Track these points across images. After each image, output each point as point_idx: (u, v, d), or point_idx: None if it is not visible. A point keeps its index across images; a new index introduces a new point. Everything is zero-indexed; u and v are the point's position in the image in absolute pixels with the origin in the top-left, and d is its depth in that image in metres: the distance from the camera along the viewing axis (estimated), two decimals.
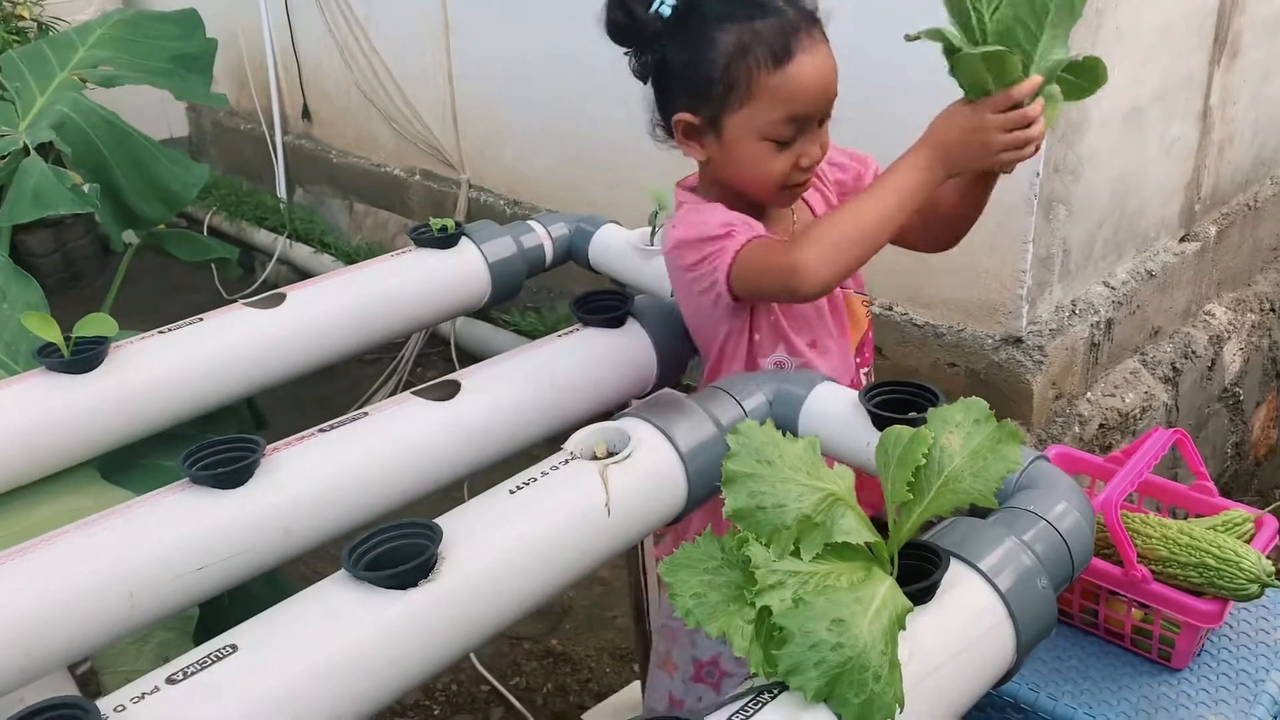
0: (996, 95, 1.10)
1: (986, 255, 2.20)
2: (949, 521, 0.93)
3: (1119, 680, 1.25)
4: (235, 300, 1.39)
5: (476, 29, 3.12)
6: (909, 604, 0.76)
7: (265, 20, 3.75)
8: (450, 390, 1.21)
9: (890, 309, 2.43)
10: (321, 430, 1.13)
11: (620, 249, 1.58)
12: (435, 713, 2.09)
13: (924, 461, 0.82)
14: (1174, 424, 2.64)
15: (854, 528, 0.80)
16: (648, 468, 1.04)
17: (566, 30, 2.77)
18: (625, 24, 1.19)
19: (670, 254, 1.26)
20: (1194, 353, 2.70)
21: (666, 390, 1.21)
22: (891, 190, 1.16)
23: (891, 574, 0.83)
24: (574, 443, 1.06)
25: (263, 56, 3.84)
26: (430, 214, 3.50)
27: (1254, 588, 1.18)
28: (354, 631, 0.85)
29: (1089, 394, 2.45)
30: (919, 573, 0.84)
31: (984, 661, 0.83)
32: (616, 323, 1.35)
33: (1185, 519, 1.32)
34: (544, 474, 1.01)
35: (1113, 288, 2.44)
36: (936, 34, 1.07)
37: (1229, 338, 2.85)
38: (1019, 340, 2.27)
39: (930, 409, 0.87)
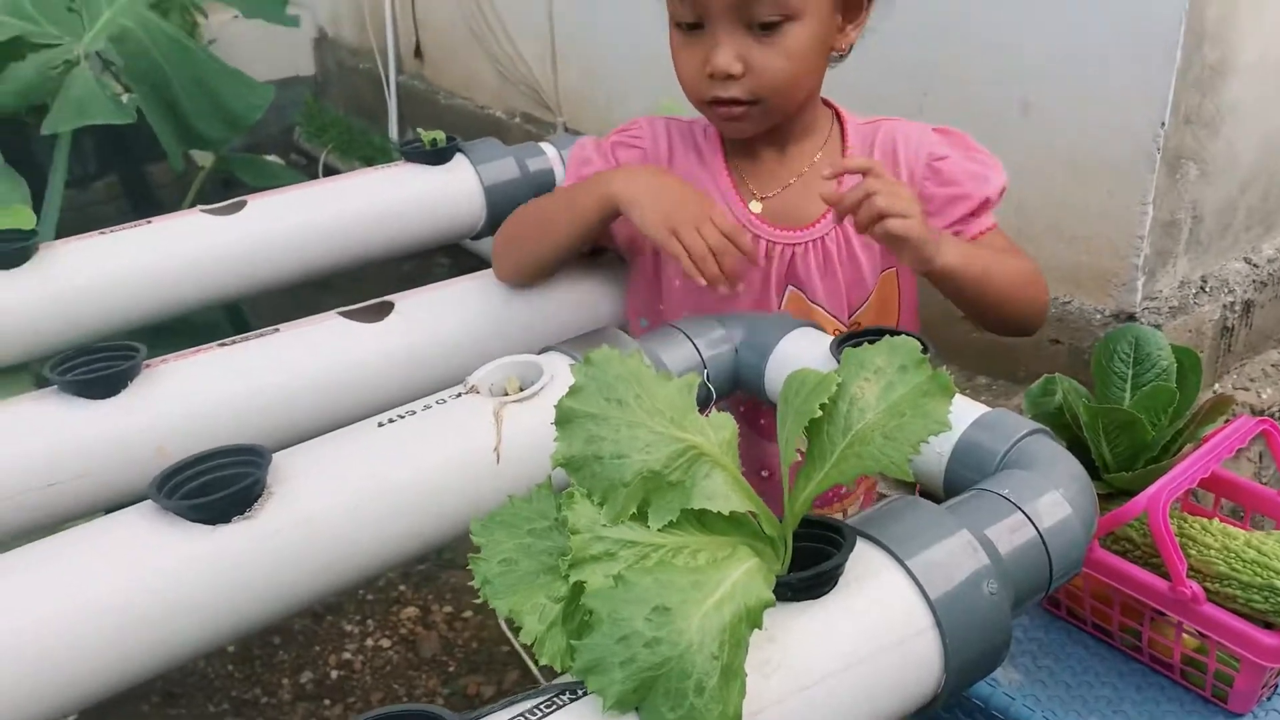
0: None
1: (1098, 218, 1.92)
2: (891, 500, 0.73)
3: (1160, 719, 1.02)
4: None
5: None
6: (769, 596, 0.57)
7: None
8: (383, 311, 1.07)
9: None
10: (221, 344, 1.00)
11: None
12: (450, 669, 1.99)
13: (822, 414, 0.63)
14: None
15: (721, 492, 0.62)
16: None
17: None
18: None
19: None
20: None
21: (610, 328, 1.03)
22: (572, 191, 1.05)
23: (782, 558, 0.64)
24: (479, 375, 0.90)
25: None
26: None
27: None
28: (145, 567, 0.72)
29: (1216, 386, 2.13)
30: (821, 560, 0.65)
31: (892, 682, 0.63)
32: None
33: (1274, 530, 1.07)
34: (427, 408, 0.85)
35: (1256, 265, 2.11)
36: None
37: None
38: (1132, 317, 1.98)
39: (846, 350, 0.67)
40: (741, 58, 0.95)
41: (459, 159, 1.37)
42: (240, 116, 2.24)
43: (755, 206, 1.08)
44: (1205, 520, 1.04)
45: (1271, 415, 2.17)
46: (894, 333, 0.88)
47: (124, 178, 3.90)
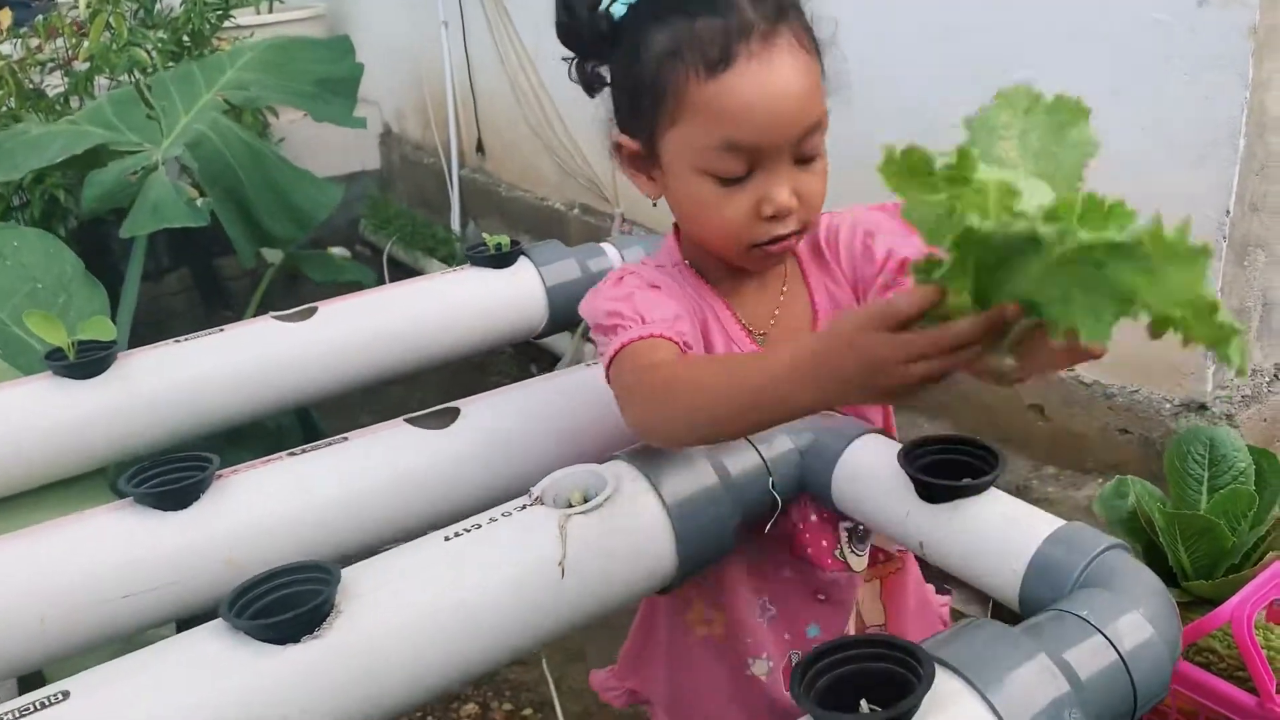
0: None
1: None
2: (967, 622, 0.72)
3: None
4: None
5: None
6: None
7: (446, 55, 3.82)
8: (449, 417, 1.08)
9: None
10: (291, 454, 1.02)
11: None
12: None
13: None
14: None
15: None
16: (623, 522, 0.87)
17: None
18: (567, 24, 0.98)
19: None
20: None
21: None
22: (755, 375, 0.81)
23: None
24: (544, 485, 0.90)
25: (444, 92, 3.90)
26: None
27: None
28: (215, 688, 0.72)
29: None
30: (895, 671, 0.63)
31: None
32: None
33: None
34: (493, 520, 0.86)
35: None
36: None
37: None
38: (1203, 406, 1.93)
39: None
40: (795, 192, 0.94)
41: (522, 261, 1.40)
42: (309, 215, 2.31)
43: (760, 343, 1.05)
44: None
45: None
46: (972, 443, 0.88)
47: (195, 271, 4.03)
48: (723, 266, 1.02)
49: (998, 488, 0.87)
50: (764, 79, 0.90)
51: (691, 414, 0.85)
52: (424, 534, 0.87)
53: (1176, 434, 2.00)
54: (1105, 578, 0.77)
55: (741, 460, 0.95)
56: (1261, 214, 1.84)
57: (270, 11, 4.21)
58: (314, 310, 1.28)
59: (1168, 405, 1.97)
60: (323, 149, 4.56)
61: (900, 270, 0.97)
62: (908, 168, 0.59)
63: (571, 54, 1.00)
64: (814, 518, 1.02)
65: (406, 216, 4.31)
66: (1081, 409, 2.11)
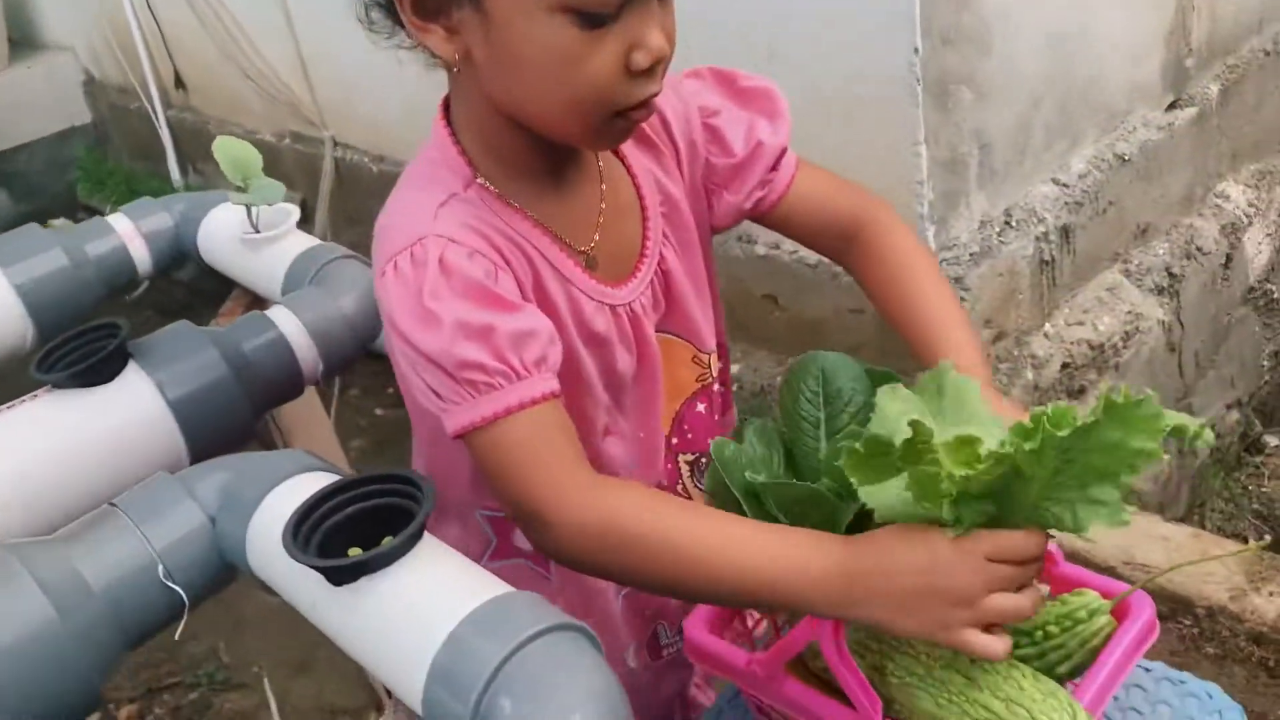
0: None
1: (870, 165, 1.65)
2: None
3: None
4: None
5: None
6: None
7: None
8: None
9: (777, 248, 1.90)
10: None
11: (227, 238, 1.11)
12: None
13: None
14: (1175, 345, 2.06)
15: None
16: None
17: None
18: None
19: (386, 325, 0.74)
20: (1199, 249, 2.11)
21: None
22: (755, 559, 0.68)
23: None
24: None
25: (126, 22, 3.40)
26: (304, 181, 3.07)
27: None
28: None
29: (1047, 326, 1.89)
30: None
31: None
32: (101, 375, 0.88)
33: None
34: None
35: (1066, 185, 1.87)
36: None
37: (1250, 223, 2.23)
38: None
39: None
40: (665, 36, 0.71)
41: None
42: None
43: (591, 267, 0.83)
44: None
45: (1113, 346, 1.94)
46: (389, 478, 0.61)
47: None
48: (527, 173, 0.78)
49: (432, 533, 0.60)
50: None
51: (662, 580, 0.70)
52: None
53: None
54: (528, 680, 0.51)
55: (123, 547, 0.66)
56: (956, 44, 1.60)
57: None
58: None
59: None
60: (24, 110, 4.03)
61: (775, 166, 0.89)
62: (869, 457, 0.64)
63: None
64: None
65: (122, 172, 3.84)
66: (812, 293, 1.89)
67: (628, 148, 0.85)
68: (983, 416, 0.69)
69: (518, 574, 0.85)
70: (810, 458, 0.87)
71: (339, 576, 0.58)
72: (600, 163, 0.84)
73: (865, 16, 1.56)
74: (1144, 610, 0.73)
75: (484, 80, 0.73)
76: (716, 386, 0.95)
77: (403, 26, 0.74)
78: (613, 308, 0.82)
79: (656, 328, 0.88)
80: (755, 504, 0.80)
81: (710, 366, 0.93)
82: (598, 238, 0.83)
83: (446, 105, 0.80)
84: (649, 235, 0.86)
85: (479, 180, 0.77)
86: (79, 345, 0.90)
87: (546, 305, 0.78)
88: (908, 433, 0.61)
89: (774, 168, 0.90)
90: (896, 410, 0.66)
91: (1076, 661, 0.73)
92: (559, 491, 0.68)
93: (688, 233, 0.89)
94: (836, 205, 0.94)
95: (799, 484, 0.80)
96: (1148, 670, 0.84)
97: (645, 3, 0.69)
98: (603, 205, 0.83)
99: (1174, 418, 0.61)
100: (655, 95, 0.73)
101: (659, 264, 0.87)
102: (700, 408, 0.94)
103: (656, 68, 0.71)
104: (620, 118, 0.73)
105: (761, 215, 0.93)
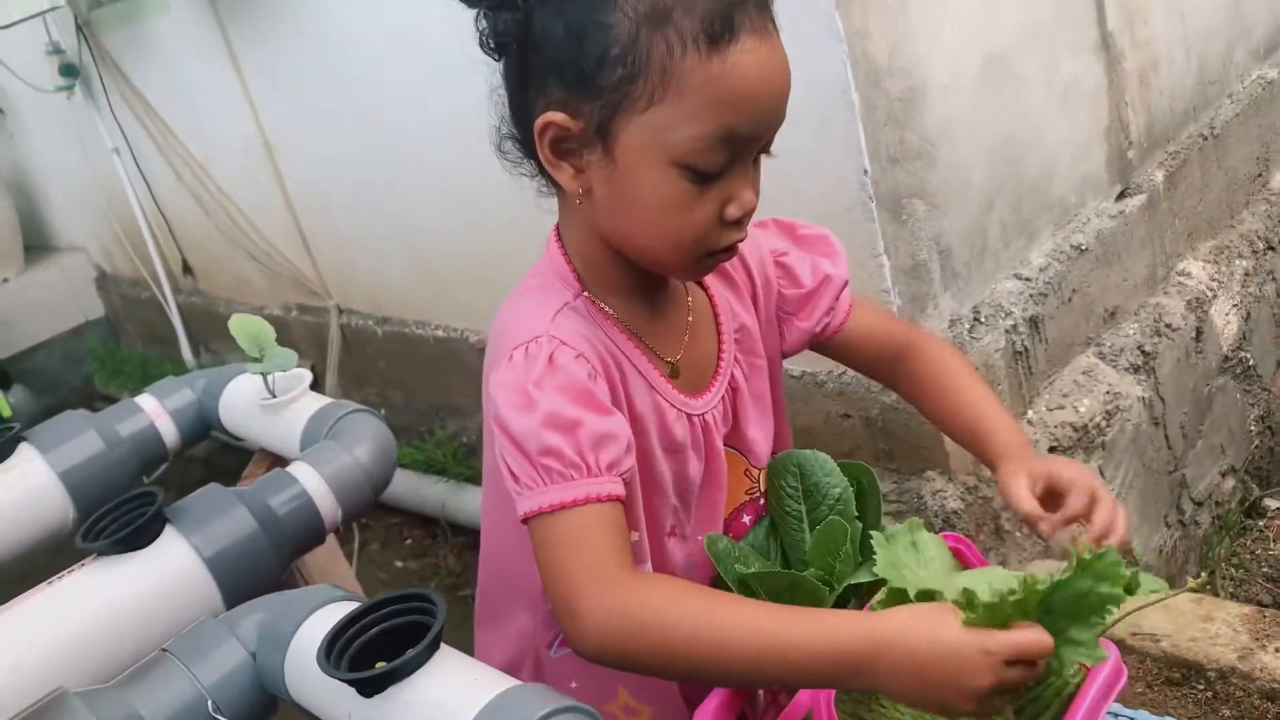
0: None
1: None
2: None
3: None
4: None
5: (295, 140, 2.80)
6: None
7: (126, 182, 3.51)
8: None
9: None
10: None
11: (246, 406, 1.21)
12: None
13: None
14: (1158, 420, 2.13)
15: None
16: None
17: (381, 118, 2.44)
18: None
19: (489, 400, 0.84)
20: (1169, 326, 2.20)
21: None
22: (792, 637, 0.72)
23: None
24: None
25: (136, 221, 3.59)
26: (313, 348, 3.20)
27: None
28: None
29: (1029, 413, 1.97)
30: None
31: None
32: (141, 540, 0.97)
33: None
34: None
35: (1028, 279, 1.97)
36: None
37: (1215, 296, 2.33)
38: None
39: None
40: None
41: (25, 449, 1.15)
42: None
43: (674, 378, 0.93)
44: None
45: (1096, 426, 2.01)
46: (407, 598, 0.69)
47: None
48: (625, 291, 0.88)
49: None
50: (766, 57, 0.77)
51: (695, 662, 0.73)
52: None
53: (891, 407, 1.88)
54: None
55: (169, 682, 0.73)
56: (903, 163, 1.73)
57: None
58: None
59: (874, 382, 1.85)
60: (41, 310, 4.20)
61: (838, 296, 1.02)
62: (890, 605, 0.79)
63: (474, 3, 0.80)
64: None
65: (137, 359, 3.98)
66: (800, 402, 1.98)
67: (709, 278, 0.97)
68: (950, 564, 0.85)
69: (584, 662, 0.89)
70: (798, 549, 0.94)
71: (369, 688, 0.65)
72: (686, 289, 0.96)
73: (819, 145, 1.70)
74: (1109, 655, 0.80)
75: (599, 213, 0.84)
76: (761, 500, 1.03)
77: (532, 159, 0.85)
78: (690, 416, 0.91)
79: (743, 451, 0.98)
80: (748, 594, 0.87)
81: (760, 481, 1.02)
82: (683, 351, 0.93)
83: (558, 229, 0.91)
84: (723, 354, 0.96)
85: (585, 294, 0.88)
86: (119, 515, 0.99)
87: (633, 410, 0.87)
88: (917, 583, 0.77)
89: (838, 297, 1.03)
90: (889, 559, 0.81)
91: (1054, 712, 0.79)
92: (594, 583, 0.74)
93: (757, 358, 0.99)
94: (888, 328, 1.07)
95: (784, 572, 0.87)
96: (1123, 716, 0.89)
97: (743, 164, 0.80)
98: (689, 319, 0.94)
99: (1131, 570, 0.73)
100: (742, 240, 0.84)
101: (729, 382, 0.96)
102: (745, 519, 1.02)
103: (745, 219, 0.83)
104: (710, 256, 0.84)
105: (826, 340, 1.04)
